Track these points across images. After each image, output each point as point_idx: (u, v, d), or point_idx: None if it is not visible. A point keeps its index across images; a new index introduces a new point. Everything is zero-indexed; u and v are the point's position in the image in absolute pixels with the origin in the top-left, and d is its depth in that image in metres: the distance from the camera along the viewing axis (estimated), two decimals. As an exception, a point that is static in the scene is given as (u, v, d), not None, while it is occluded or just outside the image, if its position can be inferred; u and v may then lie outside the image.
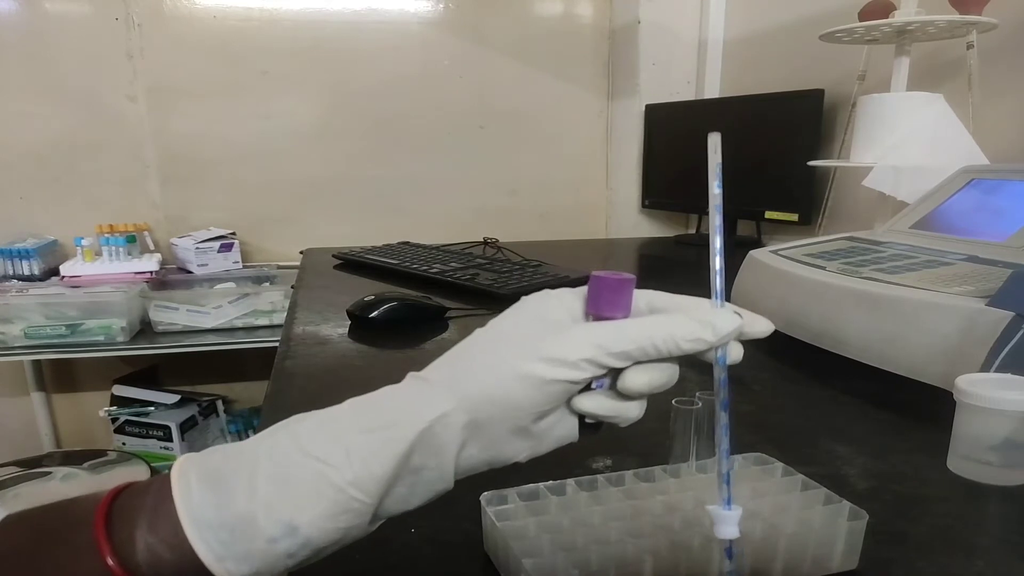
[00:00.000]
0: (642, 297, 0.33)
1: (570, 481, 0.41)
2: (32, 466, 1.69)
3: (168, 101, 1.83)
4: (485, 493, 0.39)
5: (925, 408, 0.60)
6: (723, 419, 0.31)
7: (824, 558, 0.37)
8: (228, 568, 0.28)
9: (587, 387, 0.31)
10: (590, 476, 0.42)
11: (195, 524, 0.28)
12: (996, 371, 0.53)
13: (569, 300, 0.33)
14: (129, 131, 1.82)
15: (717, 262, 0.31)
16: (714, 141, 0.31)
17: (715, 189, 0.31)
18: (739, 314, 0.31)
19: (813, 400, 0.66)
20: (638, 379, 0.30)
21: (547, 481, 0.41)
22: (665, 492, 0.41)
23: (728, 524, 0.31)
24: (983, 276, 0.63)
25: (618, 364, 0.30)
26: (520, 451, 0.32)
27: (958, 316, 0.58)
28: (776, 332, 0.74)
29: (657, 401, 0.34)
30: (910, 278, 0.67)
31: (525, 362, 0.30)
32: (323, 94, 1.93)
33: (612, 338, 0.30)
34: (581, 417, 0.32)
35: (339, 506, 0.28)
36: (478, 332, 0.32)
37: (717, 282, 0.31)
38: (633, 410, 0.32)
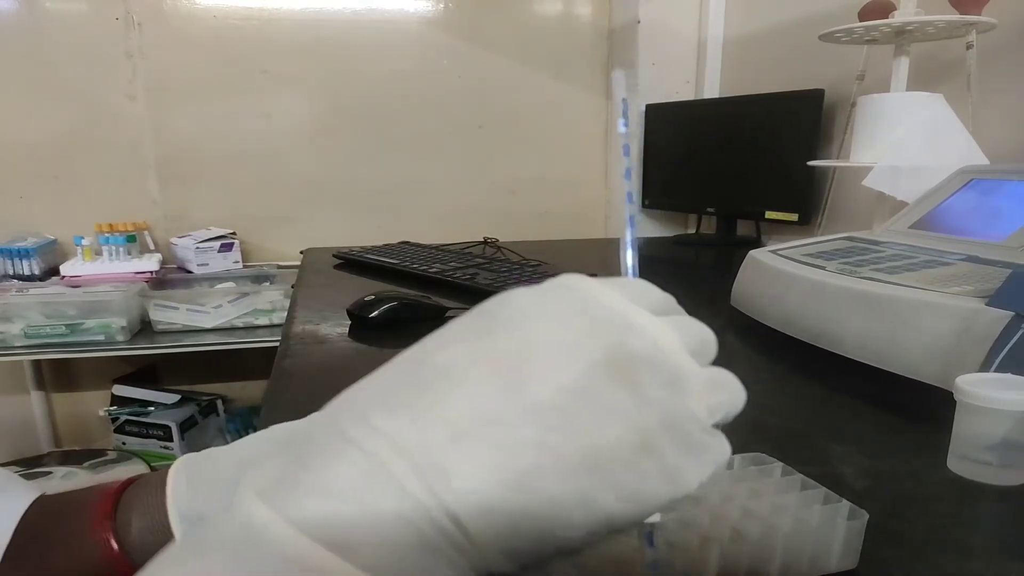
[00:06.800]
0: None
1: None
2: (32, 465, 1.69)
3: (168, 100, 1.83)
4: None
5: (924, 408, 0.60)
6: None
7: (822, 558, 0.37)
8: None
9: None
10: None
11: (181, 519, 0.33)
12: (995, 371, 0.53)
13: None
14: (129, 130, 1.82)
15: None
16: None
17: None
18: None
19: (811, 400, 0.66)
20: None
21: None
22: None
23: None
24: (982, 276, 0.63)
25: None
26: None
27: (957, 316, 0.58)
28: (775, 332, 0.74)
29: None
30: (909, 278, 0.67)
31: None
32: (323, 93, 1.93)
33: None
34: None
35: None
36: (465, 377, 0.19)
37: None
38: None
